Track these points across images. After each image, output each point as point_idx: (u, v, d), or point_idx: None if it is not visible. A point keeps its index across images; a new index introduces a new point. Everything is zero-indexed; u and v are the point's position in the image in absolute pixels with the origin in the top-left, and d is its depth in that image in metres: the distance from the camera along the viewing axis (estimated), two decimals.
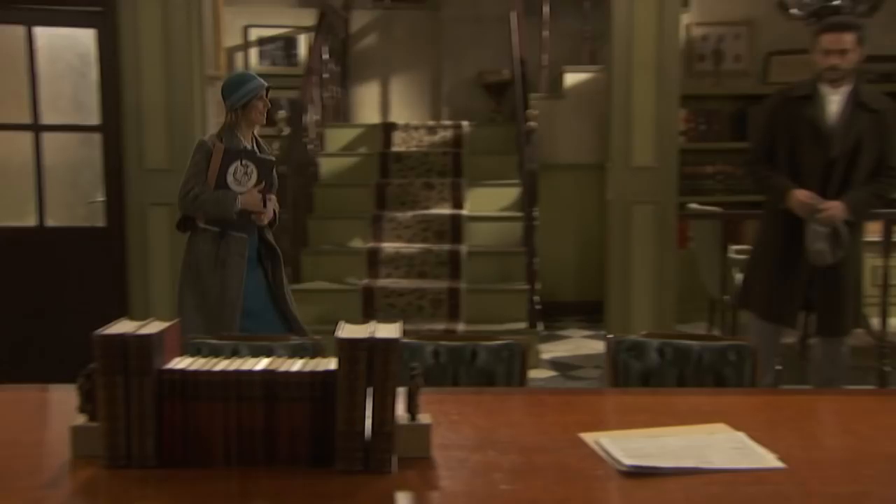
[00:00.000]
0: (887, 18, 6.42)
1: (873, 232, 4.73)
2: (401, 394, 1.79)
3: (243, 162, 3.71)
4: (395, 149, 6.83)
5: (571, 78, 6.68)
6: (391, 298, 5.51)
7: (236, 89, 3.72)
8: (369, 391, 1.72)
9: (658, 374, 2.62)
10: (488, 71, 7.25)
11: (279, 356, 2.04)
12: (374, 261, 5.78)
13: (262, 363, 1.80)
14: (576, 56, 6.83)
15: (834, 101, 3.73)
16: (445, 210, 6.13)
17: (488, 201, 6.24)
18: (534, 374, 4.88)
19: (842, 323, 3.85)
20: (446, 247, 5.81)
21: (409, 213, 6.05)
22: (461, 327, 5.32)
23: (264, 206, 3.77)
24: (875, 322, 4.93)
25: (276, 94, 7.48)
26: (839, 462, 1.85)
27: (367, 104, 7.58)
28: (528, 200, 5.72)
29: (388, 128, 7.00)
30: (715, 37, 6.83)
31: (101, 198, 5.12)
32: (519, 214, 5.97)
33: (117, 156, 4.94)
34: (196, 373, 1.75)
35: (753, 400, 2.40)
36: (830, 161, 3.71)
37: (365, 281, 5.67)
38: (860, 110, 3.71)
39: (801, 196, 3.68)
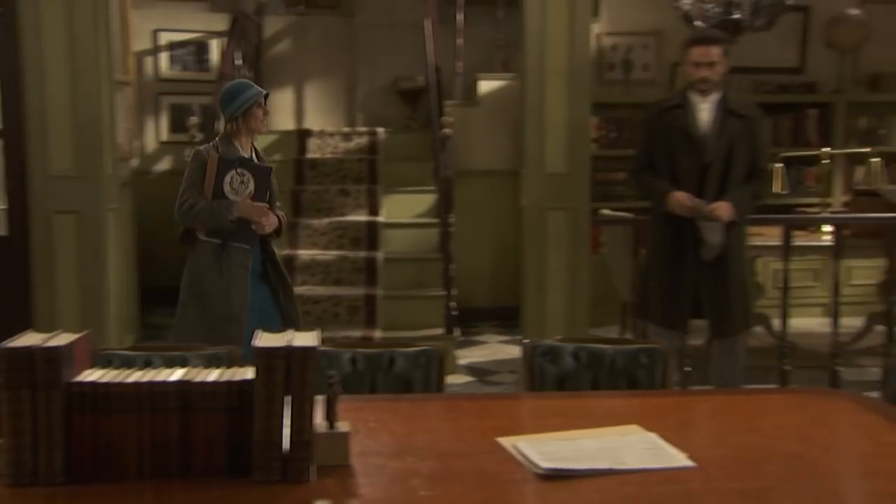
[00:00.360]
0: (783, 33, 6.69)
1: (773, 236, 4.91)
2: (319, 402, 1.78)
3: (239, 170, 3.64)
4: (309, 155, 6.78)
5: (485, 85, 6.75)
6: (307, 306, 5.46)
7: (234, 98, 3.66)
8: (287, 400, 1.71)
9: (573, 378, 2.67)
10: (403, 78, 7.27)
11: (194, 366, 2.01)
12: (289, 268, 5.70)
13: (177, 374, 1.77)
14: (489, 64, 6.90)
15: (704, 110, 3.92)
16: (361, 217, 6.11)
17: (404, 208, 6.25)
18: (451, 379, 4.90)
19: (732, 324, 4.02)
20: (362, 253, 5.79)
21: (325, 220, 6.02)
22: (378, 334, 5.31)
23: (263, 213, 3.69)
24: (776, 323, 5.11)
25: (188, 99, 7.43)
26: (744, 459, 1.92)
27: (282, 110, 7.50)
28: (444, 207, 5.75)
29: (302, 134, 6.95)
30: (624, 46, 7.00)
31: (2, 206, 4.94)
32: (435, 221, 6.00)
33: (20, 162, 4.76)
34: (107, 385, 1.71)
35: (665, 401, 2.47)
36: (705, 166, 3.90)
37: None
38: (729, 117, 3.92)
39: (679, 198, 3.86)
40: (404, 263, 5.80)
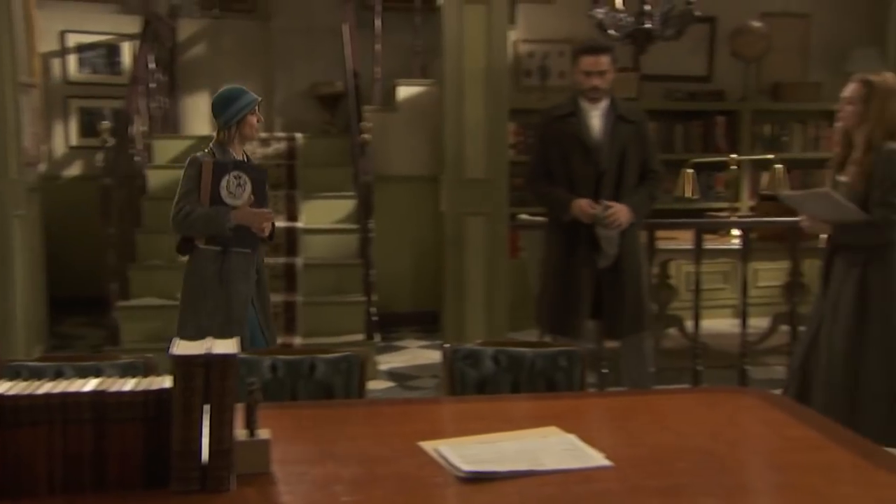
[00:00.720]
0: (692, 42, 6.90)
1: (685, 240, 5.05)
2: (239, 410, 1.77)
3: (235, 173, 3.58)
4: None
5: (404, 91, 6.76)
6: None
7: (229, 105, 3.61)
8: (206, 408, 1.69)
9: (493, 382, 2.69)
10: (321, 83, 7.23)
11: (108, 376, 1.96)
12: None
13: (90, 384, 1.73)
14: (408, 69, 6.92)
15: (595, 116, 4.02)
16: (280, 223, 6.04)
17: (324, 213, 6.21)
18: (372, 385, 4.89)
19: (629, 325, 4.12)
20: (281, 260, 5.73)
21: None
22: (298, 341, 5.26)
23: (264, 219, 3.65)
24: (689, 325, 5.25)
25: (99, 103, 7.23)
26: (659, 457, 1.98)
27: (198, 115, 7.37)
28: (364, 212, 5.74)
29: None
30: (540, 53, 7.11)
31: None
32: (355, 226, 5.98)
33: None
34: (15, 397, 1.66)
35: (583, 403, 2.52)
36: (600, 173, 3.99)
37: None
38: (620, 123, 4.03)
39: (583, 205, 3.94)
40: (324, 269, 5.76)
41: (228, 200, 3.59)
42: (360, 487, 1.77)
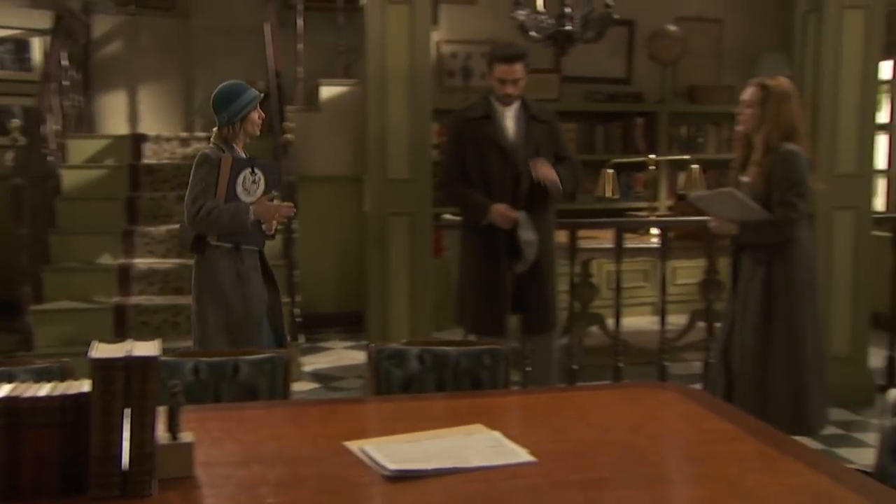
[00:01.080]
0: (612, 45, 7.04)
1: (606, 239, 5.15)
2: (161, 413, 1.74)
3: (253, 170, 3.56)
4: (145, 161, 6.54)
5: (327, 91, 6.72)
6: (145, 316, 5.27)
7: (232, 101, 3.58)
8: (126, 412, 1.65)
9: (418, 381, 2.70)
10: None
11: (22, 381, 1.91)
12: (125, 278, 5.50)
13: (3, 389, 1.68)
14: (331, 69, 6.88)
15: (509, 118, 4.06)
16: None
17: None
18: (296, 387, 4.85)
19: (547, 322, 4.18)
20: None
21: (164, 228, 5.82)
22: None
23: (280, 212, 3.68)
24: (610, 322, 5.35)
25: (8, 100, 6.99)
26: (582, 452, 2.02)
27: (114, 114, 7.19)
28: None
29: (137, 139, 6.68)
30: (463, 54, 7.15)
31: None
32: (278, 227, 5.91)
33: None
34: None
35: (507, 400, 2.55)
36: (517, 174, 4.02)
37: (115, 299, 5.38)
38: (533, 123, 4.08)
39: (502, 209, 3.96)
40: None
41: (243, 197, 3.57)
42: (286, 489, 1.76)
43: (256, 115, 3.65)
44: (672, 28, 7.16)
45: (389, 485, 1.78)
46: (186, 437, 1.79)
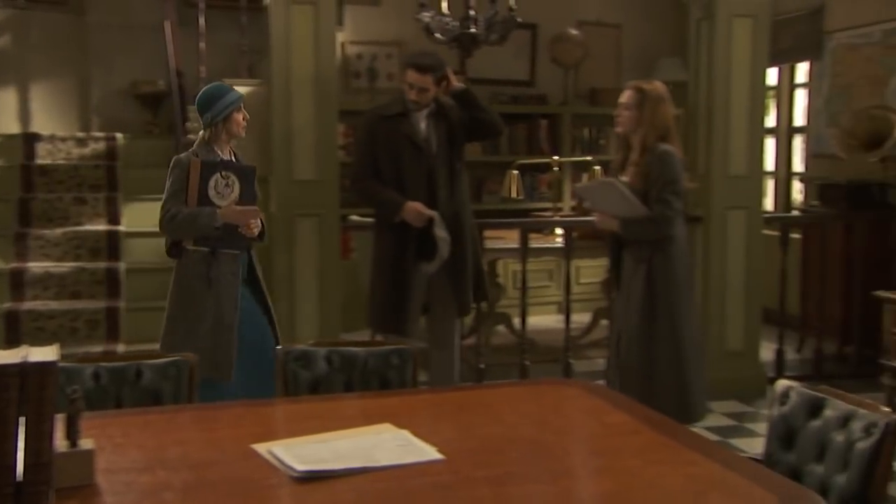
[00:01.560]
0: (516, 48, 7.14)
1: (512, 239, 5.22)
2: (59, 420, 1.69)
3: (223, 173, 3.47)
4: (39, 161, 6.30)
5: None
6: (40, 322, 5.08)
7: (214, 102, 3.52)
8: (21, 420, 1.60)
9: (326, 382, 2.70)
10: (142, 81, 6.94)
11: None
12: (17, 282, 5.29)
13: None
14: (234, 69, 6.77)
15: (423, 116, 4.09)
16: (100, 226, 5.78)
17: (149, 216, 5.91)
18: None
19: (472, 297, 4.23)
20: (102, 265, 5.48)
21: (59, 231, 5.63)
22: (121, 348, 5.04)
23: (250, 216, 3.53)
24: (516, 321, 5.44)
25: None
26: (489, 448, 2.05)
27: (4, 113, 6.91)
28: None
29: (29, 138, 6.43)
30: (369, 55, 7.14)
31: None
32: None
33: None
34: None
35: (415, 399, 2.56)
36: (432, 171, 4.06)
37: (7, 304, 5.17)
38: (443, 118, 4.10)
39: (417, 207, 3.99)
40: (150, 274, 5.54)
41: (216, 201, 3.51)
42: (192, 493, 1.73)
43: (241, 116, 3.63)
44: (573, 32, 7.31)
45: (298, 486, 1.77)
46: (86, 444, 1.75)
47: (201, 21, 6.56)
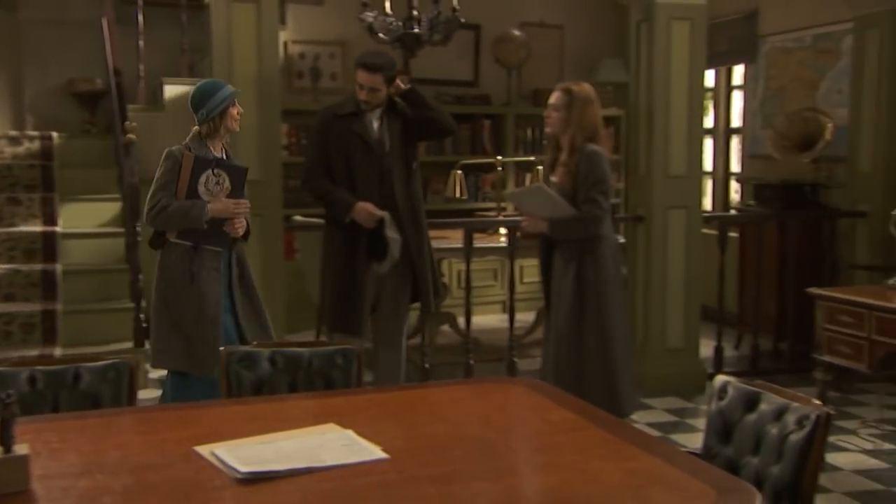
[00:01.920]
0: (459, 48, 7.16)
1: (456, 239, 5.24)
2: None
3: (215, 171, 3.46)
4: None
5: (171, 90, 6.49)
6: None
7: (209, 98, 3.51)
8: None
9: (270, 382, 2.68)
10: (79, 79, 6.79)
11: None
12: None
13: None
14: (174, 68, 6.68)
15: (376, 116, 4.09)
16: (36, 227, 5.65)
17: (86, 217, 5.86)
18: (143, 394, 4.68)
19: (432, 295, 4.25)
20: (38, 266, 5.35)
21: None
22: (59, 352, 4.93)
23: (239, 209, 3.52)
24: (461, 321, 5.46)
25: None
26: (434, 447, 2.06)
27: None
28: (130, 215, 5.47)
29: None
30: (312, 55, 7.10)
31: None
32: (120, 230, 5.69)
33: None
34: None
35: (360, 399, 2.56)
36: (385, 171, 4.07)
37: None
38: (396, 118, 4.11)
39: (368, 208, 3.99)
40: (87, 275, 5.45)
41: (205, 197, 3.51)
42: (132, 497, 1.71)
43: (235, 111, 3.62)
44: (516, 33, 7.37)
45: (242, 487, 1.76)
46: (21, 449, 1.71)
47: (140, 19, 6.45)
